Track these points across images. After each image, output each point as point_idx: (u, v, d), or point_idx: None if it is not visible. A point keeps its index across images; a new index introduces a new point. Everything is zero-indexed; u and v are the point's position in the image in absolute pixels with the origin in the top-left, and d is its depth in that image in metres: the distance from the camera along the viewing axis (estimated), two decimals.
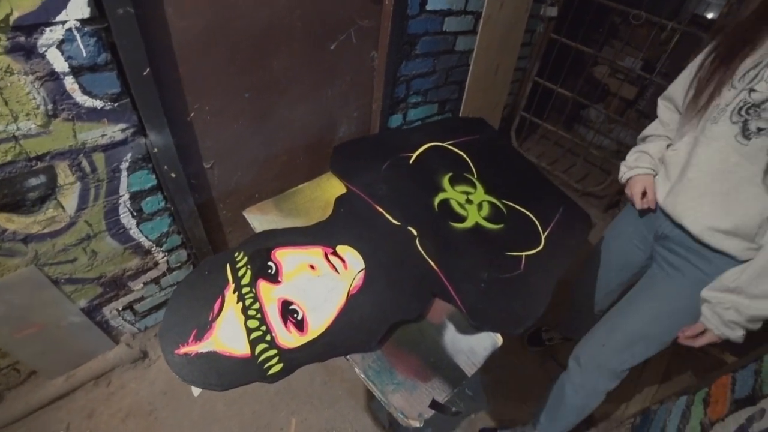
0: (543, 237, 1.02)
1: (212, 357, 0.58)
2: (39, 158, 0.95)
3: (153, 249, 1.35)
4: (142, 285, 1.40)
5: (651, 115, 2.38)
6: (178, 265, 1.48)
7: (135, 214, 1.22)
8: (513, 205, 1.06)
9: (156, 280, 1.44)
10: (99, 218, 1.14)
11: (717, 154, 0.83)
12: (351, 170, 0.96)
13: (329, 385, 1.51)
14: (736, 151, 0.80)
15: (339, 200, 0.89)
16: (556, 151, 2.93)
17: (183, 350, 0.59)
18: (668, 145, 1.06)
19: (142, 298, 1.45)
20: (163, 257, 1.40)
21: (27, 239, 1.03)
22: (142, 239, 1.29)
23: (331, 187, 0.95)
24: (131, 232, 1.25)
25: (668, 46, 2.22)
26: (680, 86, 1.01)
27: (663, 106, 1.10)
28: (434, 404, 0.65)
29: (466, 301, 0.79)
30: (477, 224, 0.96)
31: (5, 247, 1.00)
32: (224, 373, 0.57)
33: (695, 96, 0.91)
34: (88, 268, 1.20)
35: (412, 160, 1.04)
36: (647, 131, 1.14)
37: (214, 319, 0.62)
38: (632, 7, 2.08)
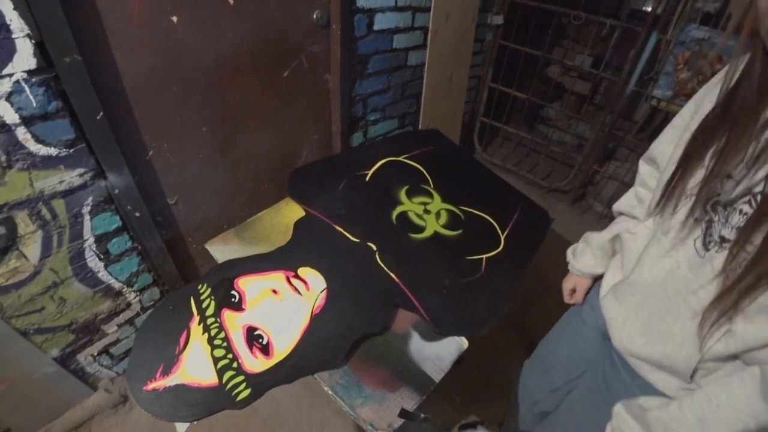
0: (502, 238, 1.06)
1: (180, 389, 0.60)
2: None
3: (124, 290, 1.34)
4: (116, 327, 1.39)
5: (606, 107, 2.50)
6: (152, 303, 1.47)
7: (102, 256, 1.21)
8: (470, 210, 1.11)
9: (130, 321, 1.43)
10: (65, 264, 1.13)
11: (666, 259, 0.64)
12: (308, 193, 0.99)
13: (317, 408, 1.51)
14: (688, 261, 0.60)
15: (298, 224, 0.91)
16: (519, 152, 3.03)
17: (151, 386, 0.60)
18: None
19: (117, 341, 1.43)
20: (135, 297, 1.39)
21: None
22: (112, 281, 1.28)
23: (290, 212, 0.97)
24: (100, 275, 1.24)
25: (610, 41, 2.37)
26: (667, 144, 0.74)
27: (644, 172, 0.83)
28: (403, 413, 0.68)
29: (429, 309, 0.82)
30: (435, 233, 1.00)
31: None
32: (194, 404, 0.59)
33: (667, 168, 0.68)
34: (58, 315, 1.18)
35: (368, 178, 1.08)
36: (621, 204, 0.88)
37: (180, 352, 0.64)
38: (572, 8, 2.21)
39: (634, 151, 2.78)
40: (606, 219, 2.78)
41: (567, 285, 0.97)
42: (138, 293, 1.39)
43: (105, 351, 1.41)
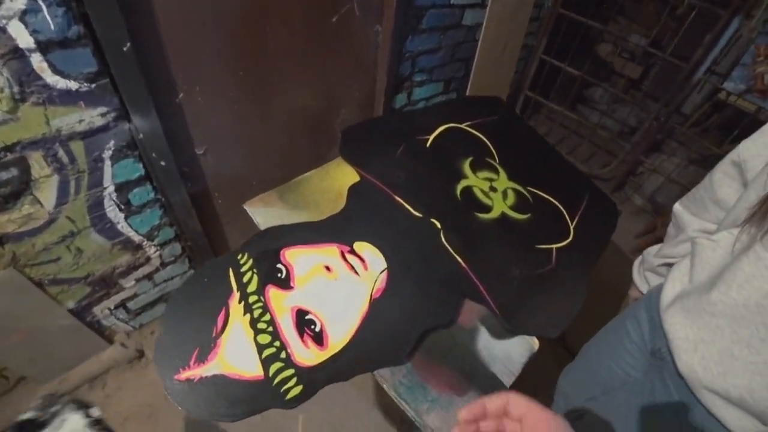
0: (572, 227, 0.94)
1: (219, 381, 0.50)
2: (8, 149, 0.84)
3: (144, 243, 1.25)
4: (134, 282, 1.31)
5: (656, 96, 2.29)
6: (173, 259, 1.38)
7: (122, 207, 1.11)
8: (538, 192, 0.97)
9: (149, 276, 1.35)
10: (82, 213, 1.03)
11: (765, 282, 0.55)
12: (364, 156, 0.86)
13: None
14: None
15: (353, 190, 0.79)
16: (560, 132, 2.84)
17: (184, 375, 0.50)
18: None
19: (135, 296, 1.36)
20: (155, 252, 1.30)
21: (2, 239, 0.93)
22: (132, 234, 1.19)
23: (342, 175, 0.85)
24: (119, 226, 1.14)
25: (680, 22, 2.11)
26: (761, 146, 0.65)
27: (720, 179, 0.73)
28: None
29: (500, 302, 0.71)
30: (503, 214, 0.88)
31: None
32: (235, 401, 0.49)
33: None
34: (74, 267, 1.10)
35: (428, 144, 0.94)
36: (684, 217, 0.82)
37: (218, 336, 0.53)
38: None
39: (684, 145, 2.57)
40: (644, 213, 2.62)
41: (632, 294, 0.94)
42: (159, 248, 1.30)
43: (122, 305, 1.34)
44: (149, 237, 1.25)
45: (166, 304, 0.55)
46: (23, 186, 0.89)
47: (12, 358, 1.11)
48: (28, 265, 1.00)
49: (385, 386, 0.58)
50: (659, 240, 2.37)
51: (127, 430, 1.23)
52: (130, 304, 1.37)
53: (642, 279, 0.95)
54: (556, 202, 0.98)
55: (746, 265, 0.57)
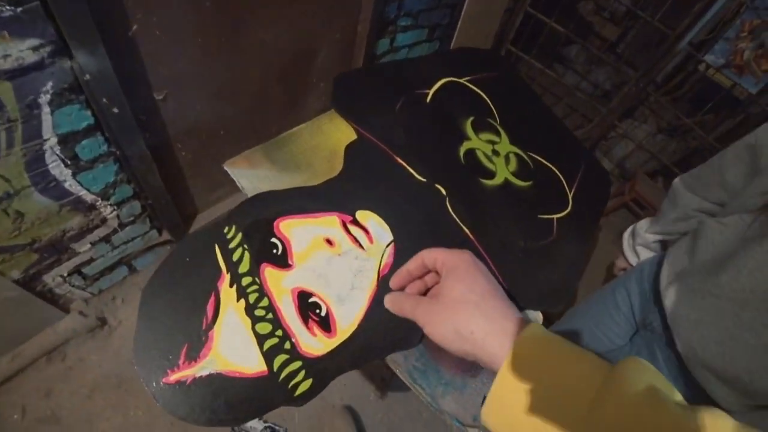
0: (570, 197, 0.91)
1: (216, 381, 0.43)
2: None
3: (98, 203, 1.10)
4: (89, 246, 1.17)
5: (631, 62, 2.26)
6: (132, 219, 1.25)
7: (69, 162, 0.96)
8: (539, 158, 0.93)
9: (106, 239, 1.21)
10: (19, 170, 0.87)
11: None
12: (360, 109, 0.76)
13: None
14: None
15: (350, 150, 0.70)
16: (536, 91, 2.78)
17: (174, 377, 0.42)
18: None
19: (91, 260, 1.22)
20: (111, 212, 1.16)
21: None
22: (83, 192, 1.04)
23: (336, 131, 0.75)
24: (66, 185, 0.99)
25: None
26: None
27: (732, 161, 0.74)
28: None
29: (507, 276, 0.67)
30: (506, 181, 0.83)
31: None
32: (236, 402, 0.42)
33: None
34: (15, 233, 0.95)
35: (428, 99, 0.86)
36: (683, 194, 0.85)
37: (209, 328, 0.46)
38: None
39: (655, 113, 2.61)
40: (611, 177, 2.69)
41: (619, 264, 1.01)
42: (115, 207, 1.16)
43: (77, 271, 1.21)
44: (104, 196, 1.10)
45: (141, 292, 0.45)
46: None
47: None
48: None
49: (398, 372, 0.54)
50: (625, 205, 2.45)
51: (95, 402, 1.15)
52: (87, 270, 1.24)
53: (632, 252, 0.97)
54: (556, 170, 0.94)
55: (758, 253, 0.57)
